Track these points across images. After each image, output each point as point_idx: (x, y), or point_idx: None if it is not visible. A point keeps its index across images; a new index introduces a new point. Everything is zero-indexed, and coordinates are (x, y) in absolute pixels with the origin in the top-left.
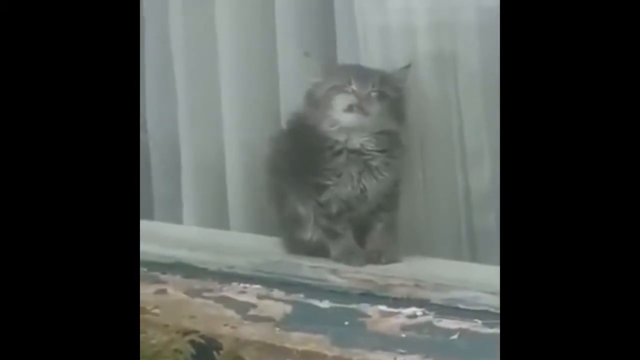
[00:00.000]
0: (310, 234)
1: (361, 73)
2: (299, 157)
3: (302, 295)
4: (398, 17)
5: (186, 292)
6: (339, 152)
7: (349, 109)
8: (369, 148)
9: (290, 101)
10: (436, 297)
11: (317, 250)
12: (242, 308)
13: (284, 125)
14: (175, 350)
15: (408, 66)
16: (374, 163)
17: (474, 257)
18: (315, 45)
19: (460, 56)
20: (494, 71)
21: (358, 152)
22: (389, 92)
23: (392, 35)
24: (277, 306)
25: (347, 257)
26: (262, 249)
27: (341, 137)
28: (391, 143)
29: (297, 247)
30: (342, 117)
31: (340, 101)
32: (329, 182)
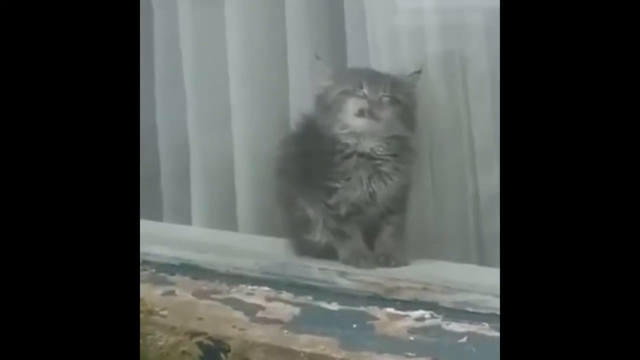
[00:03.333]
0: (318, 236)
1: (373, 78)
2: (308, 160)
3: (310, 298)
4: (407, 20)
5: (194, 294)
6: (349, 156)
7: (360, 113)
8: (379, 153)
9: (300, 105)
10: (444, 300)
11: (326, 253)
12: (250, 310)
13: (293, 127)
14: (183, 352)
15: (419, 71)
16: (383, 168)
17: (482, 261)
18: (325, 48)
19: (470, 58)
20: None
21: (368, 157)
22: (400, 97)
23: (401, 37)
24: (285, 308)
25: (356, 260)
26: (271, 251)
27: (351, 141)
28: (401, 148)
29: (305, 249)
30: (352, 121)
31: (352, 105)
32: (338, 185)
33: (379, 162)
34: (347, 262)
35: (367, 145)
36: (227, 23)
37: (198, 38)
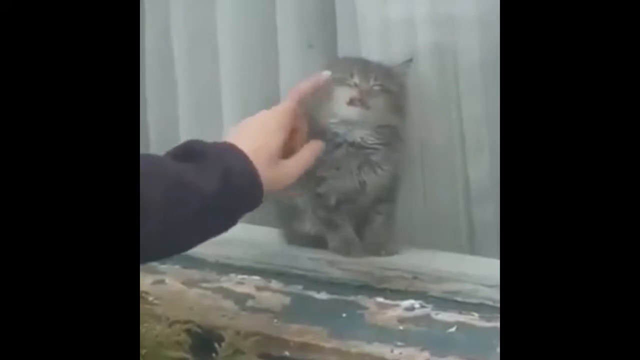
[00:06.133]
0: (308, 225)
1: (364, 66)
2: None
3: (300, 287)
4: (398, 10)
5: (184, 283)
6: (339, 145)
7: (351, 102)
8: (370, 142)
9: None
10: (434, 290)
11: (316, 242)
12: (240, 299)
13: None
14: (176, 342)
15: (410, 60)
16: (374, 157)
17: (472, 250)
18: (315, 38)
19: (461, 49)
20: (494, 64)
21: (358, 146)
22: (391, 86)
23: (392, 27)
24: (275, 297)
25: (346, 249)
26: (261, 240)
27: (341, 130)
28: (392, 137)
29: (295, 238)
30: (343, 110)
31: (342, 94)
32: (327, 175)
33: (369, 151)
34: (336, 251)
35: (357, 135)
36: (219, 16)
37: (190, 32)
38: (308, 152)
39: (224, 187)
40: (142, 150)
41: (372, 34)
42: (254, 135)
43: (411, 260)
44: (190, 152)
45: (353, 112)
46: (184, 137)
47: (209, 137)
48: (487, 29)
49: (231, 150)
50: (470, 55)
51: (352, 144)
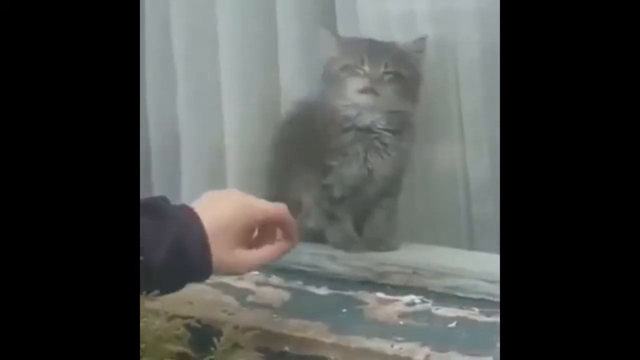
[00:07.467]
0: (313, 222)
1: (374, 51)
2: (306, 139)
3: (300, 282)
4: (398, 4)
5: None
6: (347, 130)
7: (362, 90)
8: (379, 126)
9: (290, 91)
10: (434, 285)
11: (316, 237)
12: (240, 294)
13: (287, 110)
14: (176, 336)
15: (424, 37)
16: (382, 142)
17: (472, 245)
18: (316, 35)
19: (461, 43)
20: (494, 59)
21: (367, 130)
22: (403, 71)
23: (392, 22)
24: (275, 293)
25: (345, 244)
26: None
27: (352, 113)
28: (402, 123)
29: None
30: (354, 96)
31: (352, 84)
32: (334, 163)
33: (377, 135)
34: (336, 246)
35: (367, 118)
36: (219, 12)
37: (189, 27)
38: (273, 249)
39: (172, 261)
40: (142, 148)
41: (372, 28)
42: (223, 213)
43: (411, 255)
44: (153, 208)
45: (364, 99)
46: (183, 135)
47: (208, 135)
48: (487, 24)
49: (192, 223)
50: (470, 50)
51: (361, 129)
